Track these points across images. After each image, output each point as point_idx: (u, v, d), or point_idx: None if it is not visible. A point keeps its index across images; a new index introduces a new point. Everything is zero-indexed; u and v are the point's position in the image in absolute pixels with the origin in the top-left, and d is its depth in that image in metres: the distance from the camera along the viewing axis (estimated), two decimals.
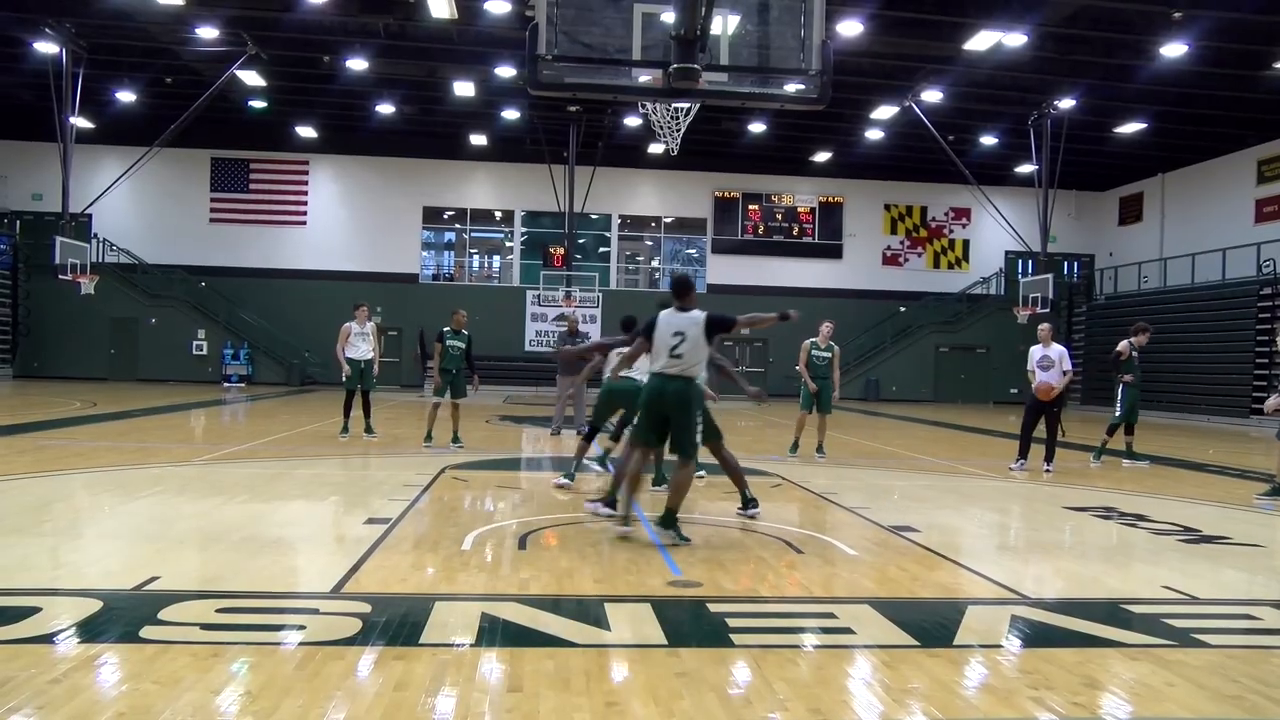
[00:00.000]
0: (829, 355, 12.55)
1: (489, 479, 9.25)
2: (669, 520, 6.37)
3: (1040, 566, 6.32)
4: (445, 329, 12.14)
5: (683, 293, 6.52)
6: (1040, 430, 11.38)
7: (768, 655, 4.04)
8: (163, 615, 4.31)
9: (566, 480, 8.83)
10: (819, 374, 12.47)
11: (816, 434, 12.59)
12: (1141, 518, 8.13)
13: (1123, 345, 12.54)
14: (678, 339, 6.37)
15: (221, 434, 14.81)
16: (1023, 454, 11.45)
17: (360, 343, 12.89)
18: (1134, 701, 3.64)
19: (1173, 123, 26.92)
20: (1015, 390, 28.53)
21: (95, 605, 4.44)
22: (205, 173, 32.73)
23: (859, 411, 24.93)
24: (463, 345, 12.07)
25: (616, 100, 22.36)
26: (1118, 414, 12.51)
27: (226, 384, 30.31)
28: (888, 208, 35.02)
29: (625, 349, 7.78)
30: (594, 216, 33.98)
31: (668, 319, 6.49)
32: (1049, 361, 11.13)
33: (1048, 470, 11.18)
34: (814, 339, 12.60)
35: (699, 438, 6.57)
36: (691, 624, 4.57)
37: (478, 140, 31.93)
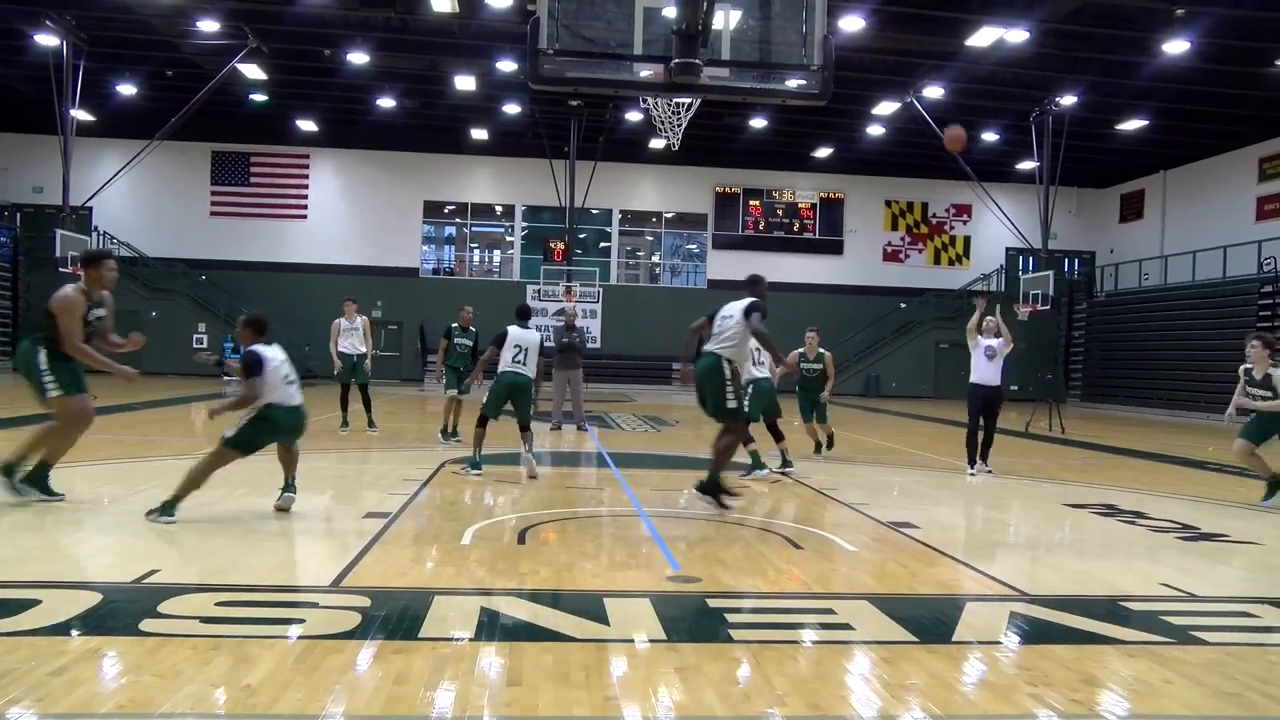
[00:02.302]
0: (819, 366, 11.61)
1: (488, 473, 9.25)
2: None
3: (1039, 563, 6.34)
4: (453, 325, 12.60)
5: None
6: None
7: (766, 651, 4.04)
8: (163, 608, 4.31)
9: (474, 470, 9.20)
10: (810, 387, 11.66)
11: (820, 435, 12.52)
12: (1140, 515, 8.14)
13: None
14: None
15: (223, 427, 14.75)
16: (980, 456, 10.79)
17: (350, 337, 13.03)
18: (1132, 698, 3.65)
19: (1174, 120, 26.88)
20: (1015, 387, 28.43)
21: (95, 598, 4.45)
22: (206, 166, 32.71)
23: (859, 408, 24.93)
24: (470, 342, 12.50)
25: (618, 95, 22.27)
26: None
27: (227, 378, 30.31)
28: (888, 204, 34.99)
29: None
30: (594, 211, 33.97)
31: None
32: (993, 351, 10.76)
33: (971, 472, 10.58)
34: (801, 349, 11.68)
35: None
36: (690, 619, 4.58)
37: (479, 134, 31.89)
